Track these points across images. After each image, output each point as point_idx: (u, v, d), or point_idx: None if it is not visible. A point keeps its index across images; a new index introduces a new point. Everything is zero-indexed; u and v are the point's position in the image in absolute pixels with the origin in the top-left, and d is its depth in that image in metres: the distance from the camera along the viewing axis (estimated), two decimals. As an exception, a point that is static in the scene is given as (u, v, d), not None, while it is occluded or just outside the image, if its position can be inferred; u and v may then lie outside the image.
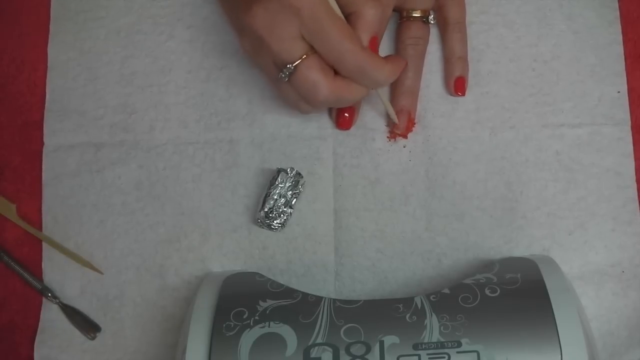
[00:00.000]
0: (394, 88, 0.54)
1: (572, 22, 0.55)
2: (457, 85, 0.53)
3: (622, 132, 0.53)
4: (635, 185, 0.53)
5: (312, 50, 0.45)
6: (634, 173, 0.53)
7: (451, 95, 0.54)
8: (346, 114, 0.53)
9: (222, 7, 0.55)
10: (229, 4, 0.52)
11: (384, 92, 0.53)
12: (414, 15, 0.53)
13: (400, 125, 0.53)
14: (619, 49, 0.54)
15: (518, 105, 0.54)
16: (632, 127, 0.53)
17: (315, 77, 0.46)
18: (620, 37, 0.55)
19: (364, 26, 0.47)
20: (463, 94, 0.54)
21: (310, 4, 0.44)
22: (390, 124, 0.54)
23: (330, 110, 0.54)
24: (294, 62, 0.45)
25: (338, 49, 0.45)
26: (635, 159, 0.53)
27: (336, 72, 0.47)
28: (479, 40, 0.55)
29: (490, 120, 0.54)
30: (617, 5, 0.55)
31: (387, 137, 0.54)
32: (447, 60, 0.54)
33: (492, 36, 0.55)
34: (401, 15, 0.54)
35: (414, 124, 0.54)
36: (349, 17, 0.47)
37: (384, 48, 0.54)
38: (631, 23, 0.55)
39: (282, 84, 0.47)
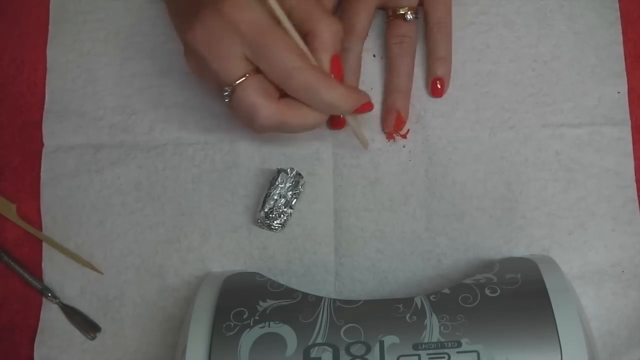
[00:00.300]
0: (385, 88, 0.54)
1: (572, 23, 0.55)
2: (433, 86, 0.53)
3: (622, 132, 0.53)
4: (635, 185, 0.53)
5: (256, 70, 0.44)
6: (634, 173, 0.53)
7: (431, 96, 0.54)
8: (341, 115, 0.53)
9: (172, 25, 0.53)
10: (175, 21, 0.49)
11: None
12: (398, 13, 0.53)
13: (388, 124, 0.53)
14: (619, 50, 0.54)
15: (518, 105, 0.54)
16: (632, 127, 0.53)
17: (254, 100, 0.43)
18: (620, 38, 0.55)
19: (321, 46, 0.45)
20: (440, 95, 0.54)
21: (250, 18, 0.42)
22: (385, 125, 0.54)
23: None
24: (233, 83, 0.43)
25: (283, 66, 0.42)
26: (635, 159, 0.53)
27: (283, 95, 0.45)
28: (479, 41, 0.55)
29: (490, 120, 0.54)
30: (617, 5, 0.55)
31: (386, 138, 0.54)
32: (428, 60, 0.54)
33: (492, 36, 0.55)
34: (387, 14, 0.54)
35: (404, 122, 0.53)
36: (305, 37, 0.45)
37: (378, 45, 0.55)
38: (631, 23, 0.55)
39: (226, 104, 0.46)
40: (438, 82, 0.53)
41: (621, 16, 0.55)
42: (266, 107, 0.44)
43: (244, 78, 0.43)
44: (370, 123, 0.54)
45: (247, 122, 0.46)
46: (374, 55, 0.55)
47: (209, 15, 0.43)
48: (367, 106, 0.47)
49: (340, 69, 0.46)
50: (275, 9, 0.42)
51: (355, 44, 0.52)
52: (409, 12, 0.53)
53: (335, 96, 0.44)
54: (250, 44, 0.42)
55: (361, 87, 0.53)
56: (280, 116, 0.45)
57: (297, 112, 0.45)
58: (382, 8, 0.54)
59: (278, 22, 0.43)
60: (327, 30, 0.45)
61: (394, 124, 0.53)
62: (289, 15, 0.44)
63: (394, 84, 0.53)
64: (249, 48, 0.43)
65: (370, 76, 0.55)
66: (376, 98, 0.54)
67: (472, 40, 0.55)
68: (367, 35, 0.53)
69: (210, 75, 0.45)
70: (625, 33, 0.55)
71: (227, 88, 0.44)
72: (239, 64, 0.43)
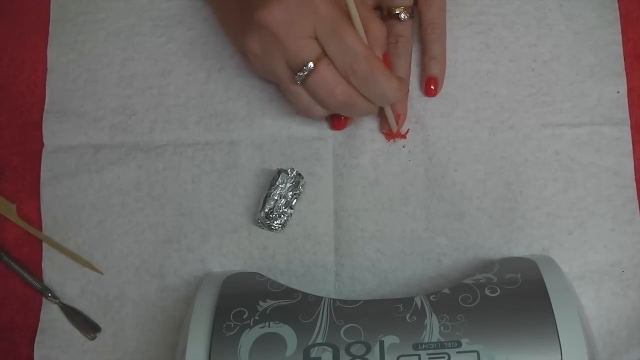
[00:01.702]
0: None
1: (571, 23, 0.55)
2: (427, 85, 0.53)
3: (621, 132, 0.53)
4: (634, 185, 0.53)
5: (324, 52, 0.45)
6: (634, 173, 0.53)
7: (425, 96, 0.54)
8: (342, 117, 0.53)
9: (218, 11, 0.54)
10: (235, 4, 0.50)
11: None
12: (394, 12, 0.53)
13: (386, 125, 0.53)
14: (619, 49, 0.54)
15: (517, 105, 0.54)
16: (632, 127, 0.53)
17: (335, 76, 0.45)
18: (619, 38, 0.55)
19: (375, 42, 0.47)
20: (434, 94, 0.54)
21: (328, 2, 0.44)
22: (383, 126, 0.54)
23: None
24: (312, 61, 0.45)
25: (354, 50, 0.44)
26: (635, 159, 0.53)
27: None
28: (478, 40, 0.55)
29: (490, 120, 0.54)
30: (616, 5, 0.55)
31: (385, 138, 0.54)
32: (422, 59, 0.54)
33: (491, 36, 0.55)
34: (382, 14, 0.54)
35: (402, 122, 0.53)
36: None
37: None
38: (631, 23, 0.55)
39: (293, 86, 0.47)
40: (431, 81, 0.53)
41: (620, 16, 0.55)
42: (344, 83, 0.46)
43: (318, 57, 0.45)
44: (370, 123, 0.54)
45: (324, 99, 0.47)
46: None
47: (287, 6, 0.44)
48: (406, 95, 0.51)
49: (389, 66, 0.48)
50: (349, 1, 0.44)
51: None
52: (404, 12, 0.53)
53: (392, 87, 0.47)
54: (327, 25, 0.44)
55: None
56: (353, 94, 0.46)
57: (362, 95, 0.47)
58: (377, 8, 0.54)
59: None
60: (379, 29, 0.48)
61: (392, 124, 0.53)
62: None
63: None
64: (324, 29, 0.44)
65: None
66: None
67: (472, 40, 0.55)
68: None
69: (281, 57, 0.46)
70: (624, 33, 0.55)
71: (305, 68, 0.45)
72: (314, 43, 0.45)
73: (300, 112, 0.51)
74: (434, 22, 0.53)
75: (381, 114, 0.53)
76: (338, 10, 0.45)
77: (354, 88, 0.46)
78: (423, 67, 0.54)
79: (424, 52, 0.54)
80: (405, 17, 0.53)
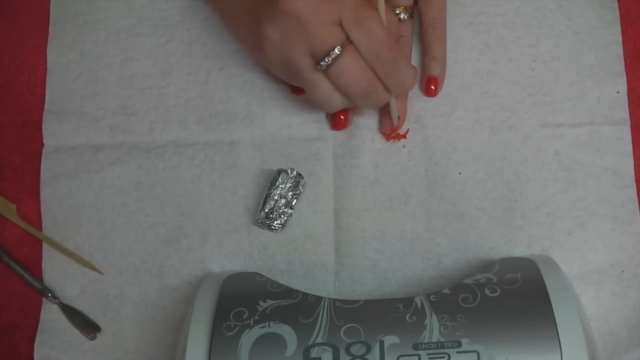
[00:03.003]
0: None
1: (571, 23, 0.55)
2: (427, 85, 0.53)
3: (621, 132, 0.53)
4: (634, 185, 0.53)
5: (348, 39, 0.45)
6: (634, 173, 0.53)
7: (425, 96, 0.54)
8: (341, 116, 0.53)
9: (221, 9, 0.54)
10: None
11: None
12: (394, 12, 0.53)
13: (386, 125, 0.53)
14: (619, 49, 0.54)
15: (517, 105, 0.54)
16: (632, 127, 0.53)
17: (360, 63, 0.45)
18: (619, 38, 0.55)
19: (391, 32, 0.47)
20: (435, 94, 0.54)
21: None
22: (382, 127, 0.54)
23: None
24: (334, 48, 0.45)
25: (378, 38, 0.45)
26: (635, 159, 0.53)
27: None
28: (478, 40, 0.55)
29: (490, 120, 0.54)
30: (616, 5, 0.55)
31: (385, 139, 0.54)
32: (422, 59, 0.54)
33: (491, 36, 0.55)
34: None
35: (402, 123, 0.53)
36: None
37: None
38: (631, 23, 0.55)
39: (315, 75, 0.46)
40: (432, 81, 0.53)
41: (620, 16, 0.55)
42: (368, 70, 0.46)
43: (343, 44, 0.45)
44: (370, 123, 0.54)
45: (348, 87, 0.46)
46: None
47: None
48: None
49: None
50: None
51: None
52: (404, 12, 0.53)
53: (411, 75, 0.47)
54: (352, 12, 0.44)
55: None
56: (376, 82, 0.47)
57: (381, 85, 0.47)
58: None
59: None
60: (394, 21, 0.48)
61: (390, 124, 0.53)
62: None
63: None
64: (350, 16, 0.44)
65: None
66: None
67: (472, 40, 0.55)
68: None
69: (304, 44, 0.45)
70: (624, 33, 0.55)
71: (331, 54, 0.45)
72: (339, 30, 0.45)
73: (319, 102, 0.49)
74: (434, 22, 0.53)
75: (381, 114, 0.53)
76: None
77: (377, 76, 0.46)
78: (423, 67, 0.54)
79: (424, 52, 0.54)
80: (406, 17, 0.53)
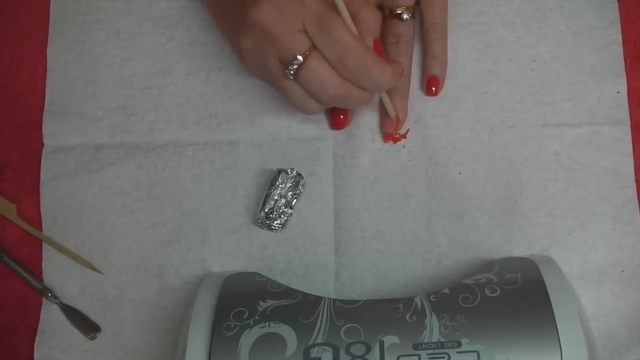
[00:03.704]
0: None
1: (571, 23, 0.55)
2: (428, 85, 0.53)
3: (621, 132, 0.53)
4: (634, 184, 0.53)
5: (314, 46, 0.45)
6: (634, 173, 0.53)
7: (425, 95, 0.54)
8: (341, 115, 0.53)
9: (216, 15, 0.54)
10: (229, 6, 0.50)
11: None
12: (396, 12, 0.53)
13: (386, 125, 0.53)
14: (619, 49, 0.54)
15: (517, 105, 0.54)
16: (632, 127, 0.53)
17: (325, 69, 0.45)
18: (620, 38, 0.55)
19: (365, 29, 0.47)
20: (435, 94, 0.54)
21: None
22: (383, 126, 0.54)
23: (326, 110, 0.54)
24: (302, 55, 0.45)
25: (343, 44, 0.44)
26: (635, 159, 0.53)
27: None
28: (478, 40, 0.55)
29: (490, 120, 0.54)
30: (616, 5, 0.55)
31: (383, 140, 0.54)
32: (423, 59, 0.54)
33: (491, 36, 0.55)
34: (384, 14, 0.54)
35: (402, 122, 0.53)
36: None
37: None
38: (631, 23, 0.55)
39: (286, 82, 0.47)
40: (433, 81, 0.53)
41: (621, 16, 0.55)
42: (335, 76, 0.46)
43: (308, 51, 0.45)
44: (370, 124, 0.54)
45: (316, 92, 0.47)
46: None
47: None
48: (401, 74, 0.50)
49: (381, 52, 0.48)
50: None
51: None
52: (406, 12, 0.53)
53: (386, 75, 0.46)
54: (315, 19, 0.44)
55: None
56: (347, 86, 0.46)
57: (355, 87, 0.47)
58: (379, 8, 0.54)
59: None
60: (370, 15, 0.47)
61: (395, 124, 0.53)
62: None
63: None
64: (313, 24, 0.44)
65: None
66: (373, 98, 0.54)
67: (472, 40, 0.55)
68: None
69: (273, 52, 0.46)
70: (624, 33, 0.55)
71: (294, 62, 0.45)
72: (303, 38, 0.45)
73: (296, 107, 0.50)
74: (435, 22, 0.53)
75: (382, 113, 0.53)
76: (325, 4, 0.45)
77: (347, 80, 0.46)
78: (424, 66, 0.54)
79: (425, 51, 0.54)
80: (408, 16, 0.53)
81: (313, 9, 0.44)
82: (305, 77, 0.46)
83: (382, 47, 0.51)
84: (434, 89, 0.53)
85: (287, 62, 0.46)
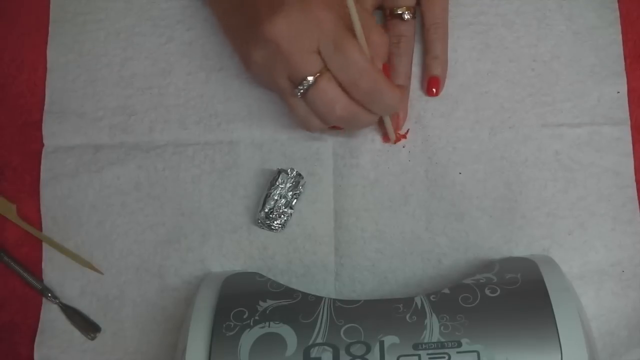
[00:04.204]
0: None
1: (571, 23, 0.55)
2: (428, 85, 0.53)
3: (621, 132, 0.53)
4: (634, 185, 0.53)
5: (326, 68, 0.45)
6: (634, 173, 0.53)
7: (426, 95, 0.54)
8: None
9: (223, 20, 0.54)
10: (241, 15, 0.50)
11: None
12: (397, 12, 0.53)
13: (388, 125, 0.53)
14: (619, 49, 0.54)
15: (517, 105, 0.54)
16: (632, 127, 0.53)
17: (335, 91, 0.45)
18: (620, 38, 0.55)
19: (375, 52, 0.47)
20: (436, 94, 0.54)
21: (333, 17, 0.44)
22: (385, 138, 0.54)
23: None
24: (313, 76, 0.45)
25: (356, 66, 0.44)
26: (635, 159, 0.53)
27: None
28: (478, 40, 0.55)
29: (490, 120, 0.54)
30: (616, 5, 0.55)
31: (383, 140, 0.54)
32: (424, 59, 0.54)
33: (491, 36, 0.55)
34: (384, 14, 0.54)
35: (402, 122, 0.53)
36: None
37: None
38: (631, 23, 0.55)
39: (294, 99, 0.47)
40: (434, 81, 0.53)
41: (621, 16, 0.55)
42: (344, 98, 0.46)
43: (322, 72, 0.45)
44: (370, 123, 0.54)
45: (324, 113, 0.47)
46: None
47: (294, 11, 0.44)
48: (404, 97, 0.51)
49: (389, 75, 0.48)
50: (353, 15, 0.44)
51: None
52: (407, 12, 0.53)
53: (395, 98, 0.47)
54: (331, 40, 0.44)
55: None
56: (354, 109, 0.46)
57: (364, 110, 0.47)
58: (379, 8, 0.54)
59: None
60: (380, 39, 0.47)
61: (396, 124, 0.53)
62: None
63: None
64: (328, 44, 0.44)
65: None
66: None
67: (472, 40, 0.55)
68: None
69: (284, 69, 0.46)
70: (624, 33, 0.55)
71: (305, 82, 0.45)
72: (316, 59, 0.45)
73: (298, 122, 0.51)
74: (436, 22, 0.53)
75: (380, 124, 0.53)
76: (341, 25, 0.45)
77: (356, 102, 0.46)
78: (425, 67, 0.54)
79: (426, 51, 0.54)
80: (409, 17, 0.53)
81: (329, 29, 0.44)
82: (314, 97, 0.46)
83: (389, 68, 0.51)
84: (434, 89, 0.54)
85: (297, 81, 0.46)
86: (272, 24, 0.44)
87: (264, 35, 0.45)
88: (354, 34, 0.45)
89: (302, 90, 0.46)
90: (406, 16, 0.53)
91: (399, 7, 0.53)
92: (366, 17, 0.47)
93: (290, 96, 0.47)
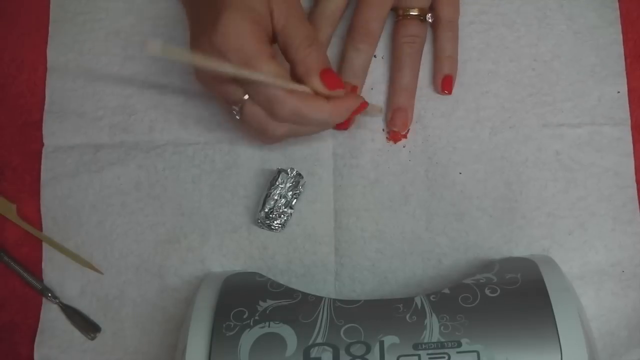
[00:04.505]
0: (391, 87, 0.54)
1: (572, 22, 0.55)
2: (444, 84, 0.53)
3: (622, 132, 0.53)
4: (635, 185, 0.53)
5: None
6: (634, 173, 0.53)
7: (438, 93, 0.54)
8: None
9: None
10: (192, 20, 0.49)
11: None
12: (410, 13, 0.53)
13: (398, 123, 0.53)
14: (619, 49, 0.54)
15: (518, 105, 0.54)
16: (632, 127, 0.53)
17: (262, 114, 0.45)
18: (620, 37, 0.55)
19: (305, 70, 0.45)
20: (449, 93, 0.54)
21: (236, 47, 0.43)
22: (387, 124, 0.54)
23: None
24: (237, 105, 0.45)
25: (266, 96, 0.44)
26: (635, 159, 0.53)
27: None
28: (479, 40, 0.55)
29: (490, 120, 0.54)
30: (617, 5, 0.55)
31: (387, 138, 0.54)
32: (436, 58, 0.54)
33: (492, 36, 0.55)
34: (397, 14, 0.53)
35: (410, 121, 0.53)
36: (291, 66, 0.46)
37: (386, 46, 0.55)
38: (631, 23, 0.55)
39: (237, 119, 0.47)
40: (447, 80, 0.53)
41: (621, 16, 0.55)
42: (273, 121, 0.46)
43: (245, 99, 0.45)
44: (371, 123, 0.54)
45: (264, 134, 0.47)
46: (382, 57, 0.55)
47: (205, 44, 0.43)
48: (361, 108, 0.49)
49: (334, 80, 0.46)
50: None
51: (369, 47, 0.52)
52: (421, 13, 0.53)
53: (324, 114, 0.45)
54: (239, 71, 0.43)
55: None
56: (288, 127, 0.46)
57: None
58: (393, 8, 0.54)
59: (266, 43, 0.44)
60: (313, 54, 0.45)
61: (402, 122, 0.53)
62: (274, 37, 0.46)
63: (403, 83, 0.53)
64: (239, 75, 0.43)
65: (373, 76, 0.54)
66: (377, 97, 0.54)
67: (472, 40, 0.55)
68: (379, 38, 0.53)
69: (218, 97, 0.47)
70: (625, 33, 0.55)
71: (234, 108, 0.46)
72: (234, 88, 0.45)
73: (257, 137, 0.51)
74: (451, 21, 0.53)
75: (392, 111, 0.53)
76: (251, 51, 0.43)
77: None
78: (438, 66, 0.54)
79: (439, 50, 0.54)
80: (423, 18, 0.53)
81: (234, 61, 0.43)
82: (247, 121, 0.46)
83: (334, 74, 0.47)
84: (448, 89, 0.53)
85: (229, 107, 0.46)
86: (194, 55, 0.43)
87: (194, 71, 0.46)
88: (262, 56, 0.43)
89: (237, 114, 0.46)
90: (421, 17, 0.53)
91: (412, 8, 0.53)
92: (293, 32, 0.45)
93: (234, 117, 0.47)
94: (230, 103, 0.46)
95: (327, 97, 0.46)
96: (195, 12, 0.47)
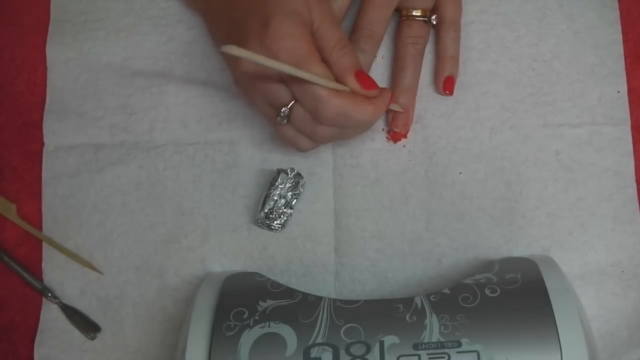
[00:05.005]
0: (393, 87, 0.54)
1: (572, 22, 0.55)
2: (445, 84, 0.53)
3: (622, 132, 0.53)
4: (635, 185, 0.53)
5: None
6: (634, 173, 0.53)
7: (438, 93, 0.54)
8: None
9: (212, 27, 0.54)
10: (228, 24, 0.49)
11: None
12: (414, 14, 0.53)
13: (399, 124, 0.53)
14: (619, 49, 0.54)
15: (518, 105, 0.54)
16: (632, 127, 0.53)
17: (309, 118, 0.45)
18: (620, 37, 0.55)
19: (339, 70, 0.45)
20: (451, 93, 0.54)
21: (288, 48, 0.43)
22: (389, 124, 0.54)
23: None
24: (286, 106, 0.45)
25: (312, 97, 0.44)
26: (635, 159, 0.53)
27: None
28: (479, 40, 0.55)
29: (490, 120, 0.54)
30: (617, 5, 0.55)
31: (387, 138, 0.54)
32: (439, 58, 0.54)
33: (492, 36, 0.55)
34: (401, 15, 0.53)
35: (411, 122, 0.53)
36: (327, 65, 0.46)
37: (385, 46, 0.55)
38: (631, 23, 0.55)
39: (277, 125, 0.47)
40: (450, 80, 0.53)
41: (621, 16, 0.55)
42: (319, 126, 0.45)
43: (293, 101, 0.45)
44: (370, 123, 0.54)
45: (310, 135, 0.47)
46: (382, 57, 0.55)
47: (252, 46, 0.43)
48: (391, 101, 0.49)
49: (368, 81, 0.46)
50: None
51: (373, 48, 0.52)
52: (424, 14, 0.53)
53: (367, 114, 0.45)
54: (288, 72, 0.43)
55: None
56: (335, 129, 0.46)
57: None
58: (397, 9, 0.54)
59: (313, 44, 0.44)
60: (346, 57, 0.46)
61: (403, 123, 0.53)
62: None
63: (405, 84, 0.53)
64: (286, 78, 0.44)
65: (373, 76, 0.54)
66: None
67: (472, 40, 0.55)
68: (382, 39, 0.53)
69: (263, 97, 0.46)
70: (625, 32, 0.55)
71: (282, 111, 0.45)
72: (284, 89, 0.45)
73: (288, 145, 0.50)
74: (454, 22, 0.53)
75: (394, 112, 0.53)
76: (302, 52, 0.43)
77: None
78: (440, 66, 0.54)
79: (442, 51, 0.54)
80: (426, 18, 0.53)
81: (284, 60, 0.43)
82: (295, 123, 0.46)
83: (366, 75, 0.47)
84: (450, 89, 0.53)
85: (277, 108, 0.46)
86: (239, 61, 0.44)
87: (237, 72, 0.45)
88: (313, 57, 0.43)
89: (284, 118, 0.46)
90: (424, 18, 0.53)
91: (415, 9, 0.53)
92: (328, 26, 0.46)
93: (275, 123, 0.47)
94: (276, 106, 0.46)
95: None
96: (226, 17, 0.47)
